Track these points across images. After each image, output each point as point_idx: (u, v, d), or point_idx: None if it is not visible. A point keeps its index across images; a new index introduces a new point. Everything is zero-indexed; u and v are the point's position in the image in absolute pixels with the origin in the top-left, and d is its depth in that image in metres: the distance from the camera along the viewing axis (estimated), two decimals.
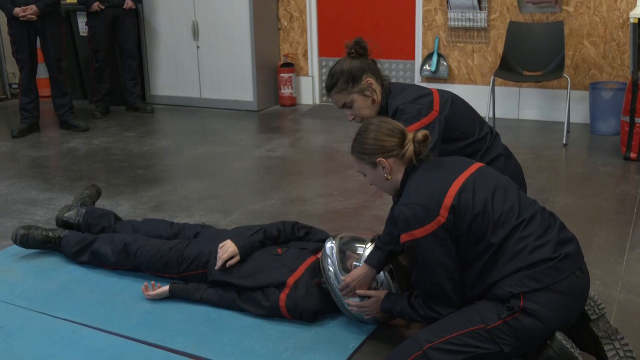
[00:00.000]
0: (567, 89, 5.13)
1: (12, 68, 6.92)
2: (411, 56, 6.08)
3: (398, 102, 2.60)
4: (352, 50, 2.65)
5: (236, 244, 2.72)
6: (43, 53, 5.73)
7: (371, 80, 2.60)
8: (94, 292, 2.91)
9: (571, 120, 5.27)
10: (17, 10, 5.50)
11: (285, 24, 6.51)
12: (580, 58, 5.42)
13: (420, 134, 2.22)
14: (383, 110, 2.64)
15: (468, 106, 2.78)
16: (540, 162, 4.56)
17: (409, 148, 2.22)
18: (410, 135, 2.24)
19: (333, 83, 2.61)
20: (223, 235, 2.87)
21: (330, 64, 6.46)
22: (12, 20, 5.58)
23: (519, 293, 2.01)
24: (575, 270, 2.06)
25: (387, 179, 2.27)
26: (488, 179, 2.20)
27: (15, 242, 3.20)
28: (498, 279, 2.06)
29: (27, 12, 5.50)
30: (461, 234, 2.11)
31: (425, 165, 2.25)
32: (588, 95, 5.28)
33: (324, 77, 6.50)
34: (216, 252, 2.73)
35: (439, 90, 2.72)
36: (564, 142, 4.97)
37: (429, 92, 2.67)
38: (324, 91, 6.43)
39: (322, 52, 6.51)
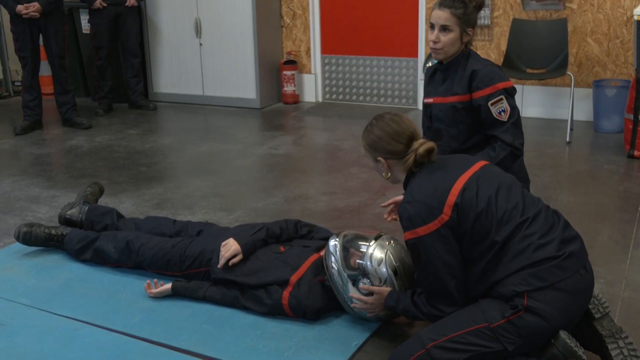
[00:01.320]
0: (570, 86, 5.12)
1: (15, 65, 6.92)
2: (414, 54, 6.07)
3: (479, 62, 2.75)
4: (474, 1, 2.72)
5: (239, 242, 2.71)
6: (46, 50, 5.73)
7: (472, 33, 2.75)
8: (97, 290, 2.90)
9: (575, 118, 5.25)
10: (19, 7, 5.50)
11: (288, 21, 6.50)
12: (583, 55, 5.40)
13: (423, 149, 2.20)
14: (458, 62, 2.76)
15: None
16: (543, 159, 4.55)
17: (410, 159, 2.22)
18: (414, 145, 2.22)
19: (457, 6, 2.68)
20: (226, 233, 2.87)
21: (333, 61, 6.48)
22: (15, 17, 5.58)
23: (523, 291, 2.00)
24: (580, 268, 2.05)
25: (386, 177, 2.30)
26: (492, 177, 2.19)
27: (17, 239, 3.20)
28: (502, 277, 2.05)
29: (30, 9, 5.50)
30: (465, 232, 2.10)
31: (429, 163, 2.24)
32: (592, 93, 5.27)
33: (327, 75, 6.50)
34: (219, 250, 2.73)
35: None
36: (568, 139, 4.96)
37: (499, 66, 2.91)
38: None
39: (325, 49, 6.50)
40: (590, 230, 3.33)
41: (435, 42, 2.74)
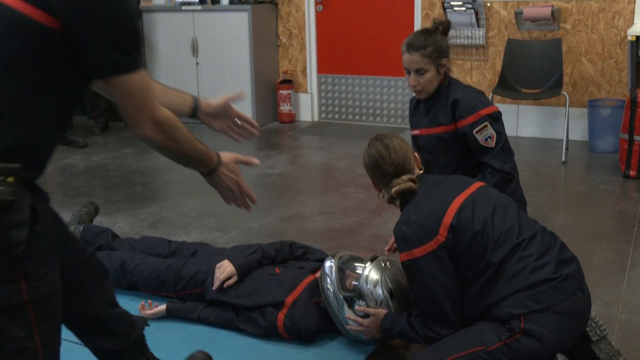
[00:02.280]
0: (565, 106, 5.14)
1: None
2: None
3: (461, 90, 2.77)
4: (440, 27, 2.77)
5: (234, 264, 2.70)
6: None
7: (447, 62, 2.76)
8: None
9: (570, 138, 5.27)
10: None
11: (285, 41, 6.53)
12: (578, 75, 5.43)
13: (405, 186, 2.20)
14: (440, 92, 2.77)
15: None
16: (539, 179, 4.56)
17: (392, 192, 2.21)
18: (396, 182, 2.21)
19: (424, 45, 2.69)
20: (221, 254, 2.86)
21: (329, 80, 6.50)
22: None
23: (520, 314, 1.99)
24: (576, 290, 2.05)
25: (380, 198, 2.33)
26: (488, 198, 2.19)
27: None
28: (498, 299, 2.04)
29: None
30: (461, 253, 2.09)
31: (426, 183, 2.25)
32: (587, 113, 5.29)
33: (323, 94, 6.51)
34: (214, 271, 2.71)
35: None
36: (563, 159, 4.97)
37: (483, 92, 2.88)
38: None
39: (321, 69, 6.52)
40: (586, 250, 3.32)
41: (414, 86, 2.76)
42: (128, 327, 2.19)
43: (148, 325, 2.28)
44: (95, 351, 2.17)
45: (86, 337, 2.13)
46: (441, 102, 2.76)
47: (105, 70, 1.58)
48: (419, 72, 2.72)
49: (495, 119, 2.72)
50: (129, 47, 1.59)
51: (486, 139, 2.68)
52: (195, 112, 2.21)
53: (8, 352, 1.61)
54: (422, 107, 2.86)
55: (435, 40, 2.71)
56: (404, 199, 2.24)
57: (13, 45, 1.50)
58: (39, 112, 1.58)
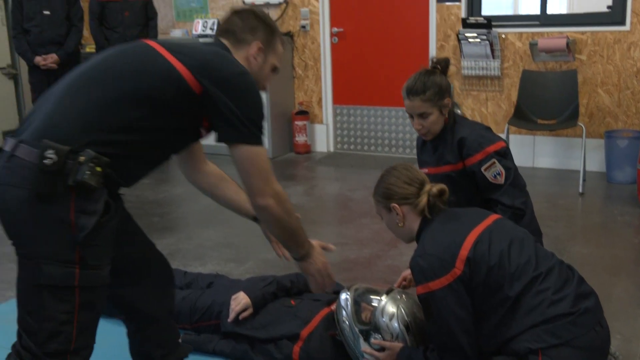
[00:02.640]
0: (582, 137, 5.12)
1: None
2: None
3: (466, 127, 2.75)
4: (439, 66, 2.75)
5: (249, 296, 2.70)
6: None
7: (450, 101, 2.73)
8: (106, 342, 2.86)
9: (587, 169, 5.24)
10: (38, 58, 5.61)
11: (300, 72, 6.59)
12: (594, 106, 5.42)
13: (436, 188, 2.23)
14: (446, 132, 2.75)
15: None
16: (556, 211, 4.53)
17: (423, 199, 2.23)
18: (427, 187, 2.25)
19: (423, 90, 2.67)
20: (236, 285, 2.86)
21: (345, 111, 6.53)
22: (33, 68, 5.70)
23: (537, 349, 1.97)
24: (595, 325, 2.02)
25: (399, 226, 2.28)
26: (504, 231, 2.18)
27: None
28: (515, 333, 2.02)
29: (48, 60, 5.62)
30: (477, 286, 2.08)
31: (442, 216, 2.25)
32: (603, 144, 5.27)
33: (339, 125, 6.55)
34: (229, 303, 2.71)
35: None
36: (580, 190, 4.94)
37: (489, 127, 2.86)
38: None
39: (337, 100, 6.56)
40: (605, 284, 3.28)
41: (419, 130, 2.75)
42: (175, 344, 2.29)
43: (191, 351, 2.38)
44: (140, 357, 2.26)
45: (137, 337, 2.23)
46: (447, 141, 2.74)
47: (235, 137, 1.88)
48: (422, 116, 2.70)
49: (503, 154, 2.70)
50: (256, 123, 1.89)
51: (495, 176, 2.66)
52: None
53: (45, 331, 1.75)
54: (429, 146, 2.84)
55: (434, 82, 2.68)
56: (423, 223, 2.23)
57: (161, 88, 1.81)
58: (148, 140, 1.84)
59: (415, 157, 3.00)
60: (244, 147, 1.89)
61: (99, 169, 1.72)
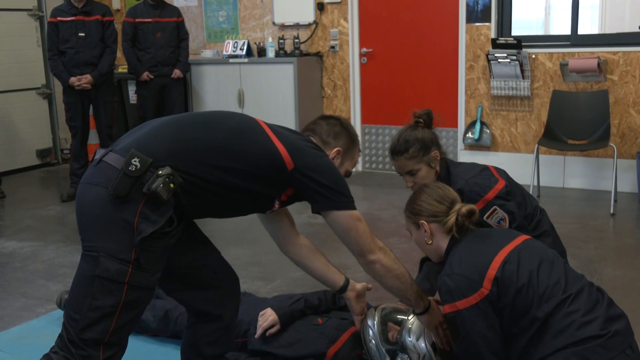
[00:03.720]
0: (613, 157, 5.06)
1: (64, 134, 7.17)
2: (454, 124, 6.11)
3: (461, 178, 2.65)
4: (421, 120, 2.72)
5: (277, 313, 2.70)
6: (95, 120, 5.94)
7: (437, 153, 2.69)
8: (134, 359, 2.90)
9: (618, 190, 5.17)
10: (72, 79, 5.73)
11: (329, 92, 6.63)
12: (626, 126, 5.36)
13: (465, 208, 2.23)
14: (441, 180, 2.68)
15: (514, 181, 2.79)
16: (587, 232, 4.47)
17: (451, 218, 2.23)
18: (456, 207, 2.25)
19: (405, 148, 2.65)
20: (264, 303, 2.87)
21: (373, 131, 6.55)
22: (68, 89, 5.81)
23: None
24: (625, 348, 1.99)
25: (428, 244, 2.28)
26: (534, 251, 2.16)
27: (59, 306, 3.24)
28: (544, 355, 1.99)
29: (82, 81, 5.73)
30: (505, 307, 2.06)
31: (470, 236, 2.24)
32: (635, 164, 5.20)
33: (367, 145, 6.56)
34: (256, 320, 2.72)
35: (490, 167, 2.78)
36: (612, 211, 4.87)
37: (484, 167, 2.75)
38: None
39: (365, 119, 6.59)
40: (636, 306, 3.22)
41: (411, 187, 2.70)
42: (227, 350, 2.48)
43: None
44: (191, 351, 2.39)
45: (194, 330, 2.37)
46: None
47: (329, 205, 2.14)
48: (410, 173, 2.68)
49: (504, 197, 2.61)
50: (345, 192, 2.16)
51: (498, 222, 2.60)
52: (345, 287, 2.53)
53: (88, 319, 1.92)
54: None
55: (417, 138, 2.66)
56: (452, 243, 2.23)
57: (258, 156, 2.06)
58: (223, 190, 2.04)
59: None
60: (345, 213, 2.15)
61: (172, 185, 1.90)
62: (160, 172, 1.90)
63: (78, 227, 2.00)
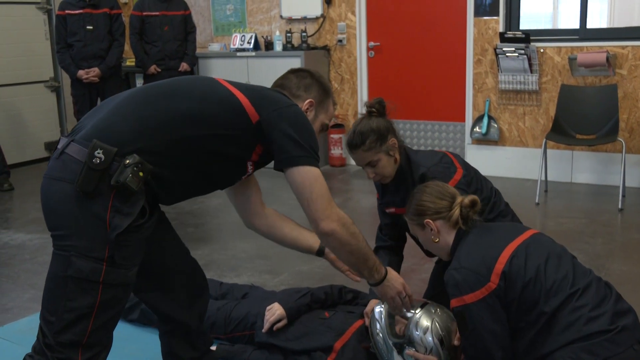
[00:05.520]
0: (621, 152, 5.04)
1: (71, 127, 7.16)
2: (461, 118, 6.09)
3: (422, 165, 2.62)
4: (374, 109, 2.66)
5: (283, 307, 2.71)
6: None
7: (395, 140, 2.64)
8: (143, 351, 2.92)
9: (627, 185, 5.15)
10: (80, 72, 5.75)
11: (336, 86, 6.62)
12: (635, 121, 5.33)
13: (467, 199, 2.23)
14: (403, 170, 2.67)
15: (469, 165, 2.79)
16: (595, 227, 4.46)
17: (455, 211, 2.24)
18: (458, 199, 2.25)
19: (361, 141, 2.59)
20: (271, 297, 2.87)
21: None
22: (76, 82, 5.83)
23: None
24: (633, 343, 1.98)
25: (435, 242, 2.28)
26: (541, 246, 2.16)
27: None
28: (551, 350, 1.99)
29: (90, 74, 5.75)
30: (512, 301, 2.06)
31: (477, 230, 2.24)
32: None
33: None
34: (263, 314, 2.73)
35: (448, 153, 2.76)
36: (620, 206, 4.86)
37: (443, 154, 2.72)
38: None
39: None
40: None
41: (374, 178, 2.67)
42: (206, 348, 2.38)
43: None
44: (170, 358, 2.34)
45: (169, 339, 2.31)
46: (408, 181, 2.64)
47: (287, 161, 1.95)
48: (370, 164, 2.63)
49: (463, 188, 2.55)
50: (308, 147, 1.96)
51: None
52: (323, 249, 2.43)
53: (64, 321, 1.83)
54: (391, 187, 2.75)
55: (371, 129, 2.59)
56: (458, 237, 2.23)
57: (220, 113, 1.94)
58: (195, 162, 1.93)
59: None
60: (302, 169, 1.95)
61: (141, 174, 1.80)
62: (127, 161, 1.79)
63: (47, 224, 1.90)
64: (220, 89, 2.01)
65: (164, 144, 1.87)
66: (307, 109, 2.19)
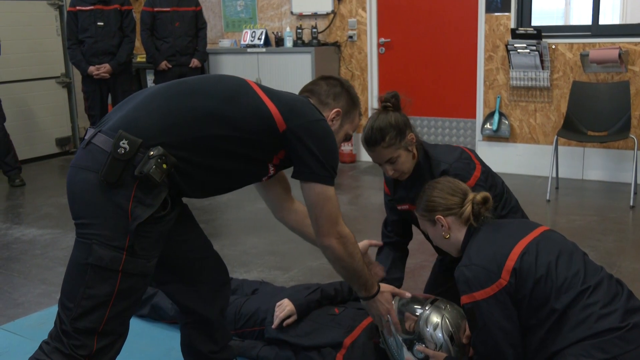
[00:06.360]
0: (633, 149, 5.01)
1: (82, 123, 7.22)
2: (472, 115, 6.07)
3: (444, 161, 2.57)
4: (389, 104, 2.59)
5: (293, 303, 2.71)
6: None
7: (412, 135, 2.58)
8: (152, 346, 2.93)
9: (638, 182, 5.12)
10: (91, 68, 5.77)
11: None
12: None
13: (479, 196, 2.22)
14: (421, 166, 2.62)
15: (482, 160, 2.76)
16: (606, 224, 4.43)
17: (467, 208, 2.22)
18: (470, 196, 2.24)
19: (381, 137, 2.51)
20: (281, 293, 2.88)
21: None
22: (87, 78, 5.86)
23: None
24: None
25: (446, 238, 2.27)
26: (552, 242, 2.15)
27: None
28: (562, 347, 1.98)
29: (101, 70, 5.77)
30: (523, 298, 2.05)
31: (488, 226, 2.23)
32: None
33: None
34: (273, 310, 2.73)
35: (465, 148, 2.72)
36: (631, 204, 4.83)
37: (461, 150, 2.67)
38: None
39: None
40: None
41: (392, 174, 2.60)
42: (226, 342, 2.39)
43: (238, 354, 2.53)
44: (190, 350, 2.35)
45: (189, 332, 2.32)
46: (426, 177, 2.55)
47: (307, 175, 2.02)
48: (390, 161, 2.56)
49: (482, 185, 2.53)
50: (328, 167, 2.03)
51: None
52: None
53: (81, 307, 1.86)
54: (405, 182, 2.68)
55: (390, 124, 2.52)
56: (469, 233, 2.22)
57: (248, 118, 1.96)
58: (217, 161, 1.95)
59: None
60: (318, 187, 2.03)
61: (165, 166, 1.83)
62: (151, 153, 1.81)
63: (71, 212, 1.93)
64: (250, 93, 2.02)
65: (188, 140, 1.89)
66: (334, 118, 2.22)
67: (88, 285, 1.84)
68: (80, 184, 1.88)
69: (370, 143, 2.55)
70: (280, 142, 2.01)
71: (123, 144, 1.81)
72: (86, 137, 1.92)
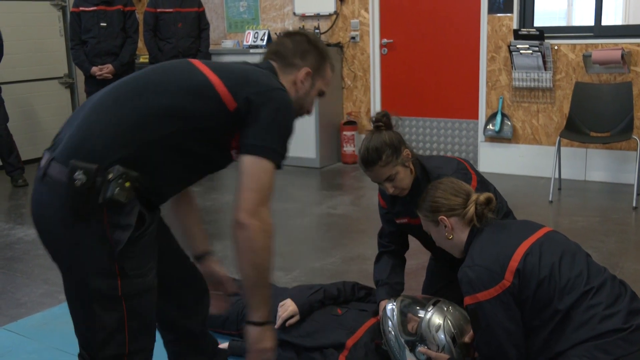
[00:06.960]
0: (636, 150, 5.00)
1: None
2: (475, 116, 6.07)
3: (443, 173, 2.57)
4: (381, 123, 2.61)
5: (296, 303, 2.72)
6: None
7: (407, 151, 2.59)
8: (155, 349, 2.93)
9: None
10: (94, 69, 5.78)
11: (349, 83, 6.61)
12: None
13: (483, 197, 2.22)
14: (419, 180, 2.62)
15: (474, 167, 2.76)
16: (608, 225, 4.43)
17: (471, 209, 2.22)
18: (473, 197, 2.24)
19: (378, 156, 2.52)
20: (283, 293, 2.88)
21: (393, 122, 6.50)
22: (90, 78, 5.86)
23: None
24: None
25: (449, 239, 2.27)
26: (556, 243, 2.15)
27: None
28: (565, 348, 1.98)
29: (104, 71, 5.77)
30: (526, 299, 2.05)
31: (491, 227, 2.23)
32: None
33: None
34: (276, 310, 2.73)
35: (459, 159, 2.73)
36: (634, 205, 4.82)
37: (457, 161, 2.68)
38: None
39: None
40: None
41: (393, 192, 2.61)
42: (213, 349, 2.33)
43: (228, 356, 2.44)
44: None
45: (175, 348, 2.27)
46: (422, 188, 2.51)
47: (249, 148, 1.81)
48: (389, 179, 2.57)
49: (481, 189, 2.52)
50: (281, 141, 1.84)
51: None
52: (203, 256, 2.30)
53: (98, 339, 1.80)
54: (403, 197, 2.68)
55: (385, 143, 2.53)
56: (472, 234, 2.22)
57: (194, 103, 1.81)
58: (178, 158, 1.83)
59: None
60: (257, 159, 1.81)
61: (127, 184, 1.72)
62: (109, 176, 1.69)
63: (47, 250, 1.85)
64: (194, 76, 1.86)
65: (142, 148, 1.77)
66: (304, 79, 2.03)
67: (96, 318, 1.78)
68: (48, 222, 1.80)
69: (368, 163, 2.55)
70: (234, 123, 1.84)
71: (78, 175, 1.69)
72: (42, 164, 1.81)
